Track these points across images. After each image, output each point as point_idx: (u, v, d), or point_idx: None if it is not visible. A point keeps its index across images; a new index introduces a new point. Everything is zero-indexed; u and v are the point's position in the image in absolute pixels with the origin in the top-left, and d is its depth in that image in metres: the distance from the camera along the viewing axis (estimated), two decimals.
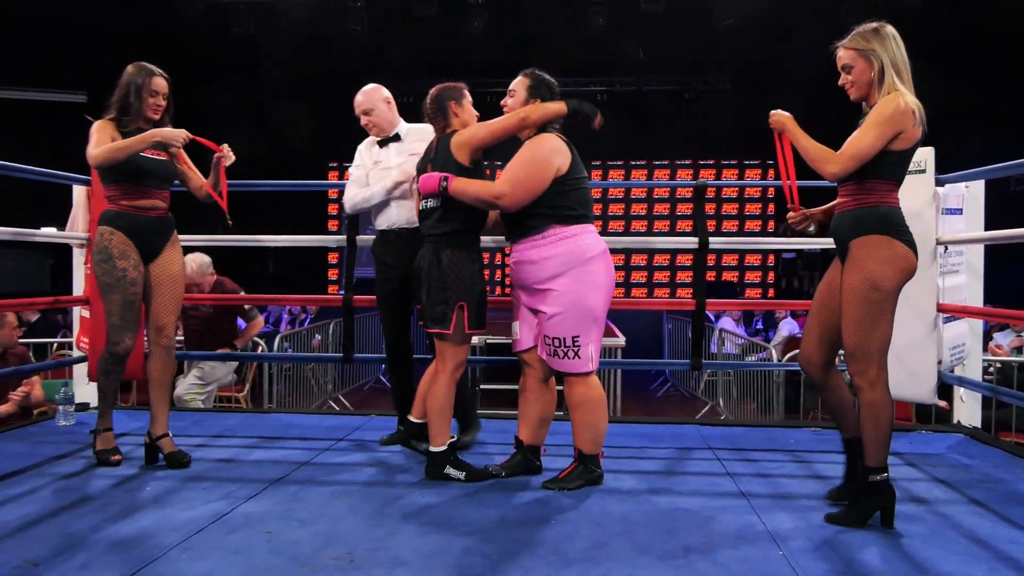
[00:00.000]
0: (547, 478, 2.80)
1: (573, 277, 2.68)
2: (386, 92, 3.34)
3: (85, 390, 4.06)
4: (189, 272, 4.76)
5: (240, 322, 5.34)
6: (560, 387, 2.86)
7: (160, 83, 2.96)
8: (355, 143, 3.45)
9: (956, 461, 3.16)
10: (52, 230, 4.49)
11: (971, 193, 3.63)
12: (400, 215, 3.25)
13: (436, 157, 2.84)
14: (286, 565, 2.05)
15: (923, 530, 2.34)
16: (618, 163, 13.10)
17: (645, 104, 12.33)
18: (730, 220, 13.01)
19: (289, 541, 2.21)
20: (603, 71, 11.98)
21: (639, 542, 2.23)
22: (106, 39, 9.26)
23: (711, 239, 3.80)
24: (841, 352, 2.52)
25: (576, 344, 2.69)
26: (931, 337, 3.45)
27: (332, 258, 13.17)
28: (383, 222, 3.30)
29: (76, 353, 4.10)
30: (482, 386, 6.78)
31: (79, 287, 4.00)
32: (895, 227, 2.34)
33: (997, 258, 4.30)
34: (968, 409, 3.77)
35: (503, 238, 3.09)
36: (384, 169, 3.29)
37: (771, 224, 12.87)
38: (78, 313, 4.09)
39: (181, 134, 2.91)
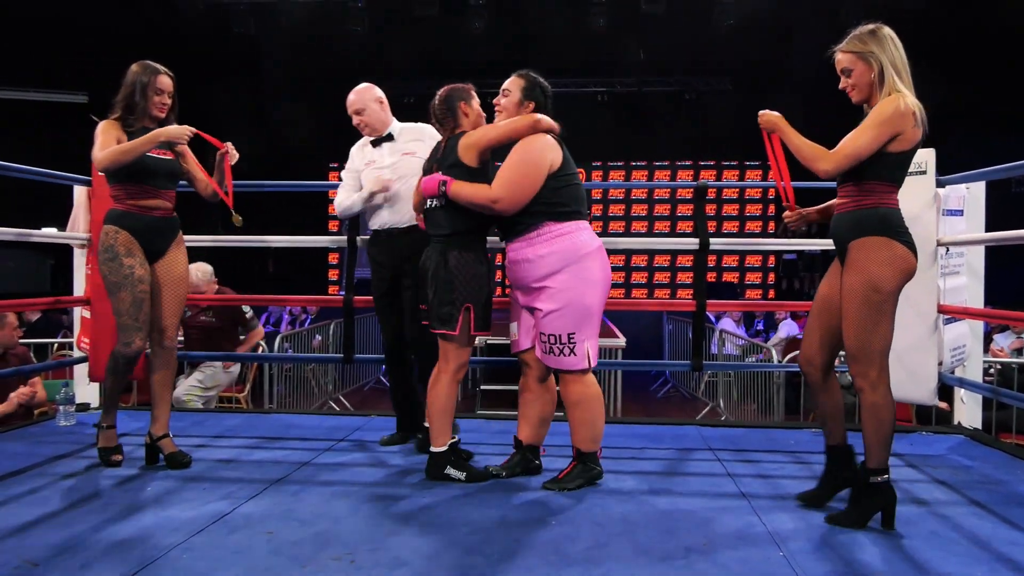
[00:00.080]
0: (547, 478, 2.80)
1: (569, 274, 2.68)
2: (378, 92, 3.33)
3: (86, 390, 4.06)
4: (195, 280, 4.80)
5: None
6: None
7: (166, 81, 2.96)
8: (355, 143, 3.45)
9: (956, 462, 3.16)
10: (53, 230, 4.49)
11: (972, 194, 3.63)
12: (391, 216, 3.26)
13: (443, 158, 2.83)
14: (286, 565, 2.05)
15: (923, 531, 2.33)
16: (619, 164, 13.10)
17: (645, 105, 12.34)
18: (731, 221, 13.02)
19: (289, 541, 2.21)
20: (603, 71, 11.99)
21: (639, 543, 2.23)
22: (106, 39, 9.26)
23: (711, 240, 3.79)
24: (842, 353, 2.52)
25: (572, 341, 2.69)
26: (932, 338, 3.45)
27: (332, 258, 13.18)
28: (375, 223, 3.32)
29: (77, 353, 4.10)
30: (482, 387, 6.79)
31: (80, 287, 4.00)
32: (894, 228, 2.34)
33: (998, 259, 4.30)
34: (969, 410, 3.77)
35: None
36: (377, 169, 3.29)
37: (771, 225, 12.87)
38: (79, 313, 4.09)
39: (186, 131, 2.90)
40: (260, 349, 5.79)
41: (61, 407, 3.71)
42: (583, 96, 12.17)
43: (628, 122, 12.38)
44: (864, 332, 2.32)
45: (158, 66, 2.96)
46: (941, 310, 3.46)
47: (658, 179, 13.16)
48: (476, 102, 2.90)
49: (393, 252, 3.26)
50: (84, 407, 3.99)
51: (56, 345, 5.83)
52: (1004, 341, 6.50)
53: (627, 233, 13.03)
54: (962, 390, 3.73)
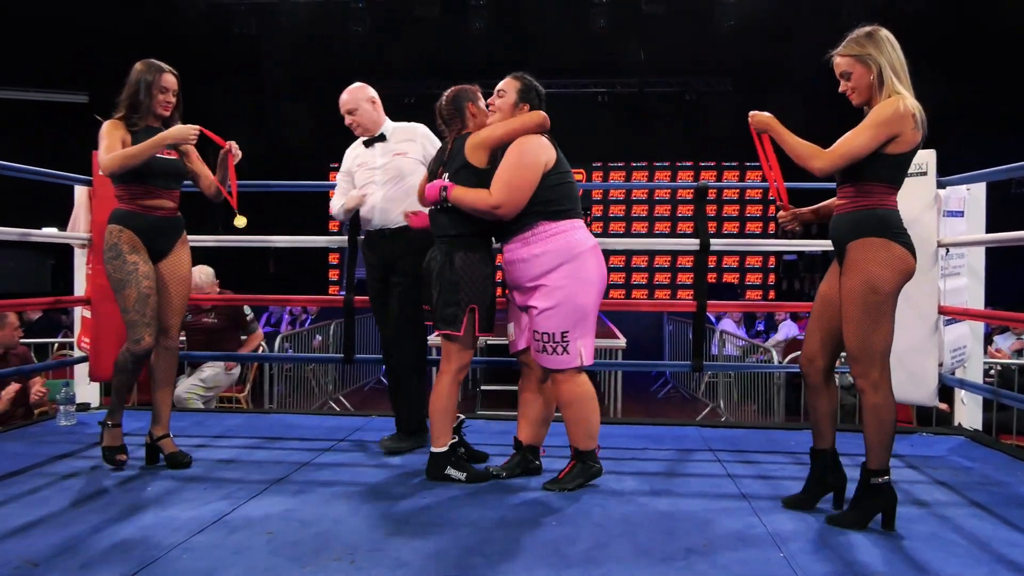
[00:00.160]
0: (547, 479, 2.80)
1: (564, 272, 2.68)
2: (371, 91, 3.32)
3: (86, 390, 4.06)
4: (198, 283, 4.81)
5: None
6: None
7: (170, 79, 2.95)
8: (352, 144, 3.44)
9: (957, 463, 3.16)
10: (53, 230, 4.49)
11: (972, 195, 3.63)
12: (381, 217, 3.26)
13: (449, 160, 2.82)
14: (287, 566, 2.04)
15: (924, 532, 2.33)
16: (619, 164, 13.10)
17: (646, 105, 12.34)
18: (731, 221, 13.02)
19: (290, 542, 2.21)
20: (604, 72, 11.99)
21: (640, 543, 2.23)
22: (107, 39, 9.26)
23: (712, 240, 3.79)
24: (843, 355, 2.52)
25: (564, 340, 2.68)
26: (932, 339, 3.45)
27: (333, 259, 13.18)
28: (366, 223, 3.32)
29: (77, 353, 4.10)
30: (482, 387, 6.79)
31: (80, 287, 4.00)
32: (892, 229, 2.34)
33: (998, 260, 4.29)
34: (969, 411, 3.77)
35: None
36: (369, 170, 3.29)
37: (772, 226, 12.87)
38: (79, 313, 4.09)
39: (191, 131, 2.87)
40: (260, 349, 5.79)
41: (62, 407, 3.71)
42: (584, 96, 12.17)
43: (628, 122, 12.38)
44: (864, 333, 2.32)
45: (162, 64, 2.94)
46: (941, 311, 3.46)
47: (658, 180, 13.16)
48: (483, 103, 2.89)
49: (383, 252, 3.27)
50: (84, 407, 3.99)
51: (56, 345, 5.83)
52: (1004, 342, 6.50)
53: (627, 234, 13.03)
54: (962, 391, 3.73)
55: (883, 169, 2.33)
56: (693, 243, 3.86)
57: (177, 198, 3.04)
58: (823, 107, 4.73)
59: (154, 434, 3.01)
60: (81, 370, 4.07)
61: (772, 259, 12.92)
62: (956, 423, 3.82)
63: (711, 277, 12.60)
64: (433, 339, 5.70)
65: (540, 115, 2.76)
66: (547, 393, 2.90)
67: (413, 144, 3.28)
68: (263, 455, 3.21)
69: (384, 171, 3.26)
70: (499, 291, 2.96)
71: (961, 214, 3.59)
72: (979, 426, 3.74)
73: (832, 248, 2.50)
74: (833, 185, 2.50)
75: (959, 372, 3.71)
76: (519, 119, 2.76)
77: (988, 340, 6.09)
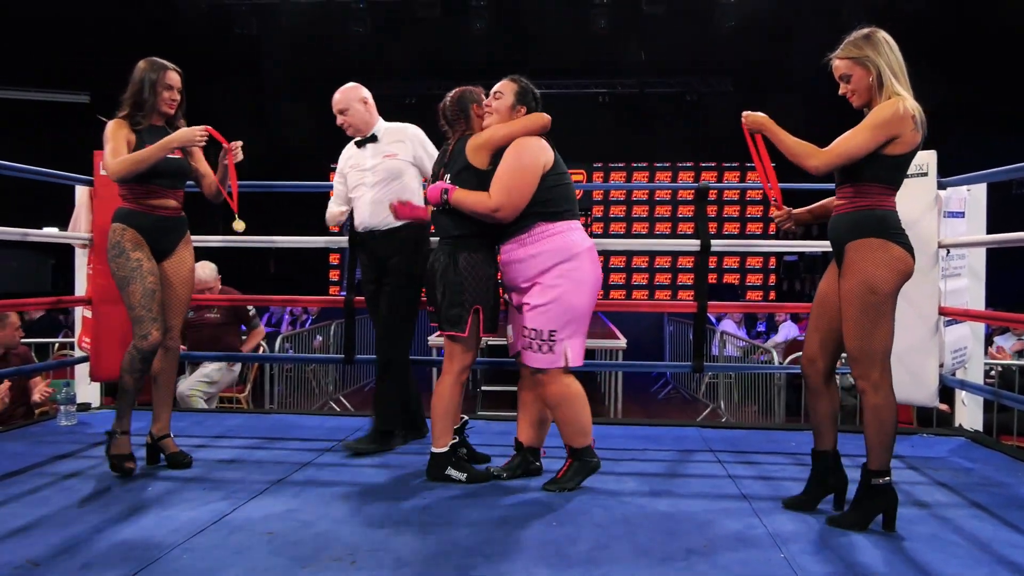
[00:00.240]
0: (547, 479, 2.80)
1: (558, 272, 2.67)
2: (364, 92, 3.32)
3: (87, 390, 4.06)
4: (204, 276, 4.82)
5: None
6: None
7: (174, 77, 2.94)
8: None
9: (957, 465, 3.16)
10: (54, 230, 4.49)
11: (973, 196, 3.63)
12: (371, 219, 3.26)
13: (450, 161, 2.82)
14: (287, 566, 2.04)
15: (924, 533, 2.33)
16: (619, 165, 13.10)
17: (646, 106, 12.34)
18: (732, 222, 13.02)
19: (290, 542, 2.21)
20: (604, 72, 11.99)
21: (640, 544, 2.23)
22: (108, 39, 9.27)
23: (712, 241, 3.79)
24: (844, 355, 2.52)
25: (552, 339, 2.67)
26: (933, 340, 3.45)
27: (333, 259, 13.18)
28: (359, 224, 3.33)
29: (78, 353, 4.10)
30: (483, 388, 6.79)
31: (81, 287, 4.00)
32: (890, 230, 2.33)
33: (999, 261, 4.29)
34: (970, 412, 3.77)
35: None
36: (360, 171, 3.29)
37: (772, 227, 12.85)
38: (80, 313, 4.09)
39: (197, 133, 2.86)
40: (261, 349, 5.80)
41: (62, 407, 3.72)
42: (584, 97, 12.18)
43: (629, 123, 12.38)
44: (864, 334, 2.32)
45: (166, 62, 2.93)
46: (942, 312, 3.46)
47: (659, 180, 13.16)
48: None
49: (375, 253, 3.28)
50: (85, 407, 4.00)
51: (57, 345, 5.83)
52: (1005, 343, 6.50)
53: (628, 234, 13.02)
54: (963, 392, 3.73)
55: (882, 170, 2.33)
56: (694, 244, 3.85)
57: (181, 198, 3.03)
58: (823, 107, 4.72)
59: (155, 434, 3.01)
60: (82, 370, 4.07)
61: (773, 260, 12.92)
62: (957, 424, 3.82)
63: (712, 278, 12.61)
64: (434, 340, 5.74)
65: (544, 117, 2.77)
66: None
67: (403, 145, 3.27)
68: (263, 455, 3.21)
69: (374, 172, 3.26)
70: (501, 291, 2.96)
71: (962, 215, 3.59)
72: (980, 427, 3.74)
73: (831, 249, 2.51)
74: (830, 185, 2.50)
75: (960, 373, 3.71)
76: (521, 121, 2.76)
77: (989, 341, 6.09)
